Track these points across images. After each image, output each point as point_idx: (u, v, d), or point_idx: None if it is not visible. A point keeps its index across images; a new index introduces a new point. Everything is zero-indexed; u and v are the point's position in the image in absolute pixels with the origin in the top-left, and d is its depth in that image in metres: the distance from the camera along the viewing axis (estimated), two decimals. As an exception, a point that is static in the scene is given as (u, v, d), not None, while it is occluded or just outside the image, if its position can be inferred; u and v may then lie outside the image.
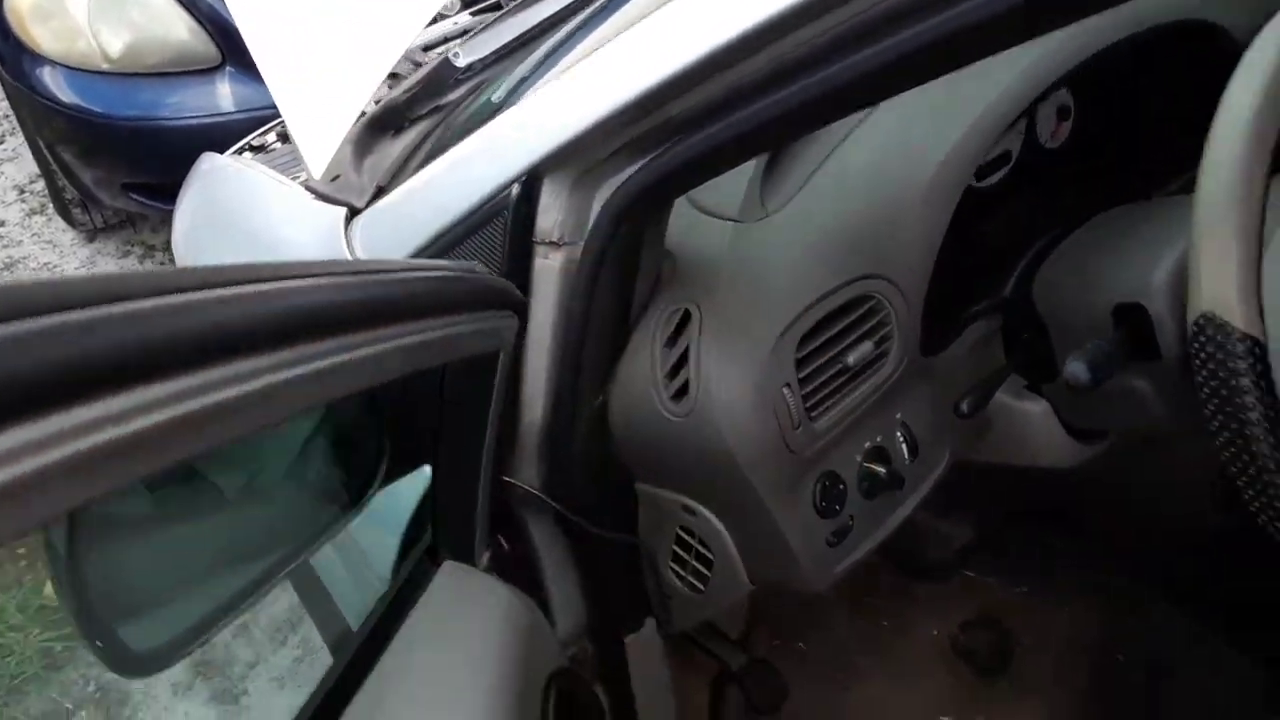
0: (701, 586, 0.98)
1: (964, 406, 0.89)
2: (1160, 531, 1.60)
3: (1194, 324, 0.71)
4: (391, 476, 0.81)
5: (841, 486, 0.89)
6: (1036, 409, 1.00)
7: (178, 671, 1.91)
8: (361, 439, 0.78)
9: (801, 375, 0.82)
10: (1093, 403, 0.95)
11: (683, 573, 0.98)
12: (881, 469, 0.90)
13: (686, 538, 0.94)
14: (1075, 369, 0.78)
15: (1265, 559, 1.44)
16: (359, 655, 0.73)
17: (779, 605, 1.54)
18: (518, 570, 0.97)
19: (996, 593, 1.56)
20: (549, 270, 0.80)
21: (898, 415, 0.93)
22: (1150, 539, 1.61)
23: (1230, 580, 1.54)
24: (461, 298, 0.62)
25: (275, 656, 1.86)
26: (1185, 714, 1.38)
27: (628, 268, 0.82)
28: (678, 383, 0.82)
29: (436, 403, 0.74)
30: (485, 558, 0.83)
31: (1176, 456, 1.24)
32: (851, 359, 0.84)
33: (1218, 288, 0.70)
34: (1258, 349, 0.70)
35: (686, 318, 0.83)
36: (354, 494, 0.76)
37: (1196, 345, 0.71)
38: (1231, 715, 1.37)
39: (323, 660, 1.73)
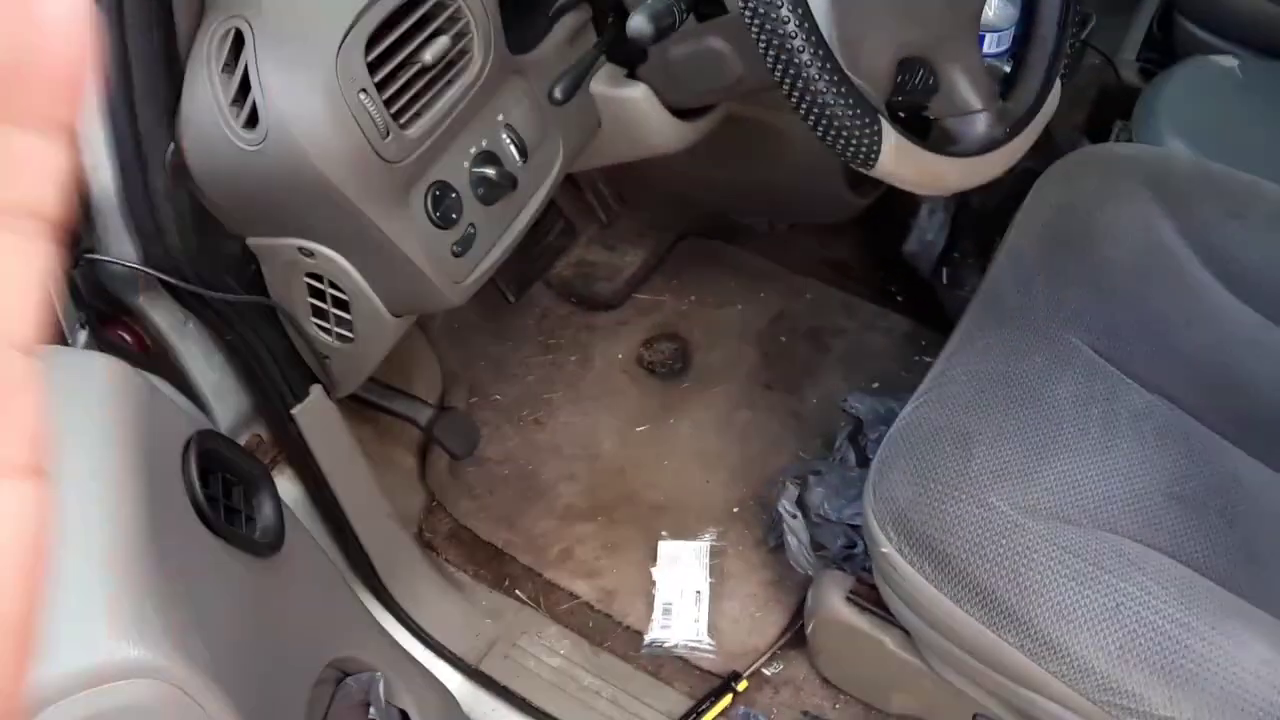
0: (350, 334, 0.96)
1: (557, 92, 0.90)
2: (806, 222, 1.75)
3: None
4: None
5: (455, 195, 0.88)
6: (637, 93, 1.02)
7: None
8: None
9: (378, 79, 0.78)
10: (682, 72, 0.98)
11: (327, 324, 0.96)
12: (492, 171, 0.90)
13: (316, 284, 0.91)
14: (637, 23, 0.80)
15: (896, 225, 1.62)
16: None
17: (472, 366, 1.56)
18: (156, 369, 0.90)
19: (669, 308, 1.66)
20: None
21: (500, 117, 0.92)
22: (800, 231, 1.76)
23: (871, 250, 1.73)
24: None
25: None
26: (845, 364, 1.55)
27: None
28: (246, 109, 0.76)
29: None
30: (83, 337, 0.77)
31: (812, 155, 1.33)
32: (428, 55, 0.81)
33: None
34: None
35: (240, 37, 0.76)
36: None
37: None
38: (886, 359, 1.56)
39: None
